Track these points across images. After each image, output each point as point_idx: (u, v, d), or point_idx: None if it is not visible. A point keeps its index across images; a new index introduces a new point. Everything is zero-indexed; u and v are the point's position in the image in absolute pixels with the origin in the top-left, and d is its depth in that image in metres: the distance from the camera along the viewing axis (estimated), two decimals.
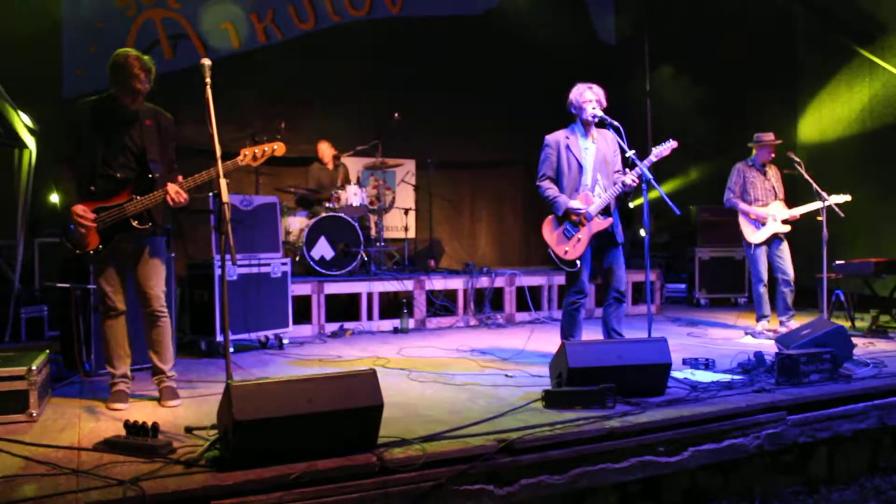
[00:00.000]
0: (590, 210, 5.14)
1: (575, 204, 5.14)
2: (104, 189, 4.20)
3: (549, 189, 5.24)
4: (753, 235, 7.02)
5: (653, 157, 5.19)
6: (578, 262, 5.15)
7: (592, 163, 5.25)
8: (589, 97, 5.19)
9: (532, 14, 10.09)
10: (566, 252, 5.13)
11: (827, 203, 6.69)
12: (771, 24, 9.96)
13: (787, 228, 6.93)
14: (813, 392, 4.42)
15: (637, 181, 5.11)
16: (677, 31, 10.65)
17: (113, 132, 4.22)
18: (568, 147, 5.22)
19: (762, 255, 7.01)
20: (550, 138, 5.31)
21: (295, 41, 9.63)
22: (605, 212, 5.23)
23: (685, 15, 10.39)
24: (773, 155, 7.09)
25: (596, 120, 5.18)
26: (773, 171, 7.12)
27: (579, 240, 5.12)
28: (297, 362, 5.84)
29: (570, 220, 5.14)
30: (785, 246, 6.93)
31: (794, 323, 6.63)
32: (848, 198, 6.69)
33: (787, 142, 7.49)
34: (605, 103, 5.22)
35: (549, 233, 5.19)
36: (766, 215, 6.95)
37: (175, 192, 4.15)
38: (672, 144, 5.24)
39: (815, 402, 4.35)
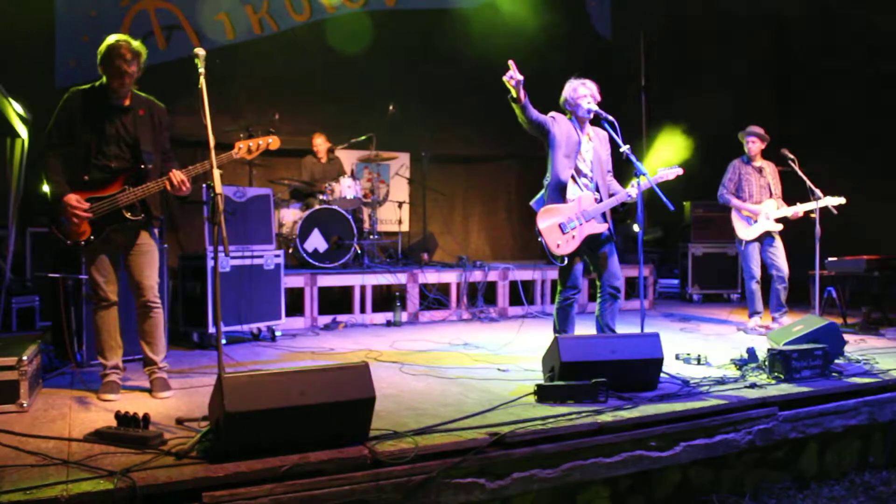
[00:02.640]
0: (588, 210, 5.12)
1: (576, 201, 5.10)
2: (97, 179, 4.18)
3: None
4: (744, 232, 7.06)
5: (657, 178, 5.17)
6: (567, 258, 5.10)
7: (590, 160, 5.23)
8: (583, 92, 5.15)
9: (528, 7, 10.08)
10: (557, 246, 5.05)
11: (821, 204, 6.71)
12: (765, 23, 9.97)
13: (779, 227, 6.96)
14: (804, 388, 4.44)
15: (632, 197, 5.11)
16: (673, 26, 10.65)
17: (106, 121, 4.20)
18: (569, 137, 5.13)
19: (754, 251, 7.04)
20: (559, 115, 5.21)
21: (290, 33, 9.59)
22: (602, 215, 5.20)
23: (681, 9, 10.39)
24: (754, 145, 7.10)
25: (591, 115, 5.16)
26: (769, 169, 7.14)
27: (573, 237, 5.07)
28: (289, 354, 5.83)
29: (568, 216, 5.10)
30: (778, 243, 6.96)
31: (787, 319, 6.66)
32: (842, 200, 6.69)
33: (782, 138, 7.49)
34: (598, 97, 5.19)
35: (544, 223, 5.06)
36: (757, 212, 6.99)
37: (179, 180, 4.14)
38: (678, 171, 5.25)
39: (807, 399, 4.37)
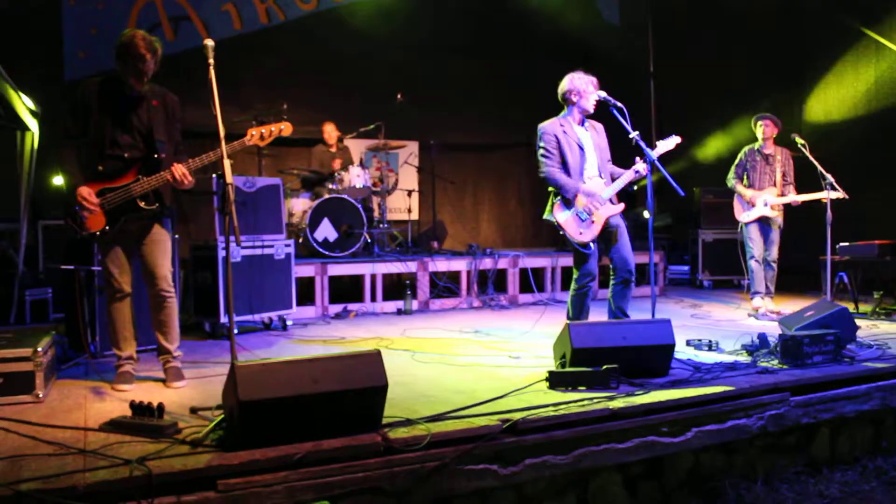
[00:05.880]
0: (602, 195, 5.15)
1: (587, 187, 5.14)
2: (111, 169, 4.19)
3: (558, 173, 5.16)
4: (742, 215, 7.25)
5: (658, 151, 5.15)
6: (592, 244, 5.16)
7: (590, 150, 5.28)
8: (591, 88, 5.19)
9: None
10: (580, 234, 5.12)
11: (819, 196, 6.83)
12: (776, 5, 9.88)
13: (774, 213, 7.08)
14: (816, 373, 4.43)
15: (644, 174, 5.12)
16: (682, 12, 10.58)
17: (120, 112, 4.21)
18: (566, 133, 5.22)
19: (752, 231, 7.18)
20: (546, 126, 5.26)
21: (297, 22, 9.58)
22: (616, 197, 5.26)
23: None
24: (768, 128, 7.17)
25: (593, 109, 5.21)
26: (780, 157, 7.17)
27: (593, 222, 5.13)
28: (300, 341, 5.86)
29: (582, 205, 5.14)
30: (781, 227, 7.12)
31: (769, 302, 7.07)
32: (841, 194, 6.73)
33: (793, 123, 7.48)
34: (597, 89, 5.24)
35: (562, 216, 5.15)
36: (754, 197, 7.14)
37: (181, 174, 4.14)
38: (676, 140, 5.23)
39: (819, 384, 4.36)
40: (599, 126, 5.39)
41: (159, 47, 4.15)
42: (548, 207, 5.30)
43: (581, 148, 5.22)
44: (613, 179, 5.28)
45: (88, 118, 4.19)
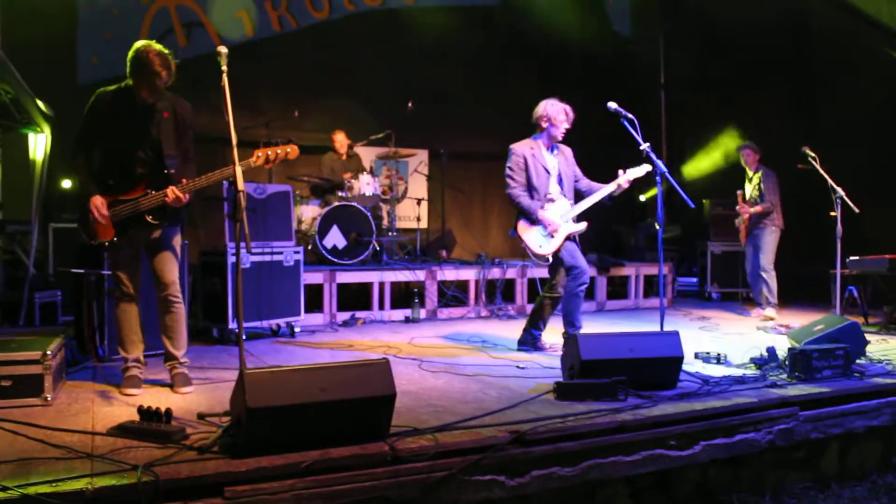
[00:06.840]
0: (564, 213, 5.49)
1: (546, 216, 5.42)
2: (121, 182, 4.21)
3: (522, 196, 5.49)
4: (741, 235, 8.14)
5: (628, 177, 5.48)
6: (550, 257, 5.45)
7: (556, 174, 5.57)
8: (563, 118, 5.49)
9: (547, 4, 10.04)
10: (540, 247, 5.46)
11: (754, 210, 7.70)
12: (786, 20, 9.87)
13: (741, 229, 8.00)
14: (825, 388, 4.41)
15: (626, 186, 5.49)
16: (693, 23, 10.58)
17: (131, 124, 4.20)
18: (534, 156, 5.52)
19: (749, 248, 8.00)
20: (517, 147, 5.59)
21: (309, 30, 9.62)
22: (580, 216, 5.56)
23: (700, 6, 10.32)
24: (749, 157, 7.94)
25: (562, 137, 5.54)
26: (757, 176, 7.83)
27: (552, 236, 5.46)
28: (309, 347, 5.85)
29: (548, 220, 5.44)
30: (757, 241, 7.76)
31: (771, 311, 7.61)
32: (759, 210, 7.67)
33: (803, 137, 7.51)
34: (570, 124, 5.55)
35: (525, 231, 5.50)
36: (739, 220, 8.08)
37: (173, 198, 4.13)
38: (647, 168, 5.46)
39: (828, 399, 4.34)
40: (568, 151, 5.71)
41: (173, 61, 4.13)
42: (514, 223, 5.61)
43: (547, 171, 5.52)
44: (588, 194, 5.59)
45: (101, 130, 4.21)
